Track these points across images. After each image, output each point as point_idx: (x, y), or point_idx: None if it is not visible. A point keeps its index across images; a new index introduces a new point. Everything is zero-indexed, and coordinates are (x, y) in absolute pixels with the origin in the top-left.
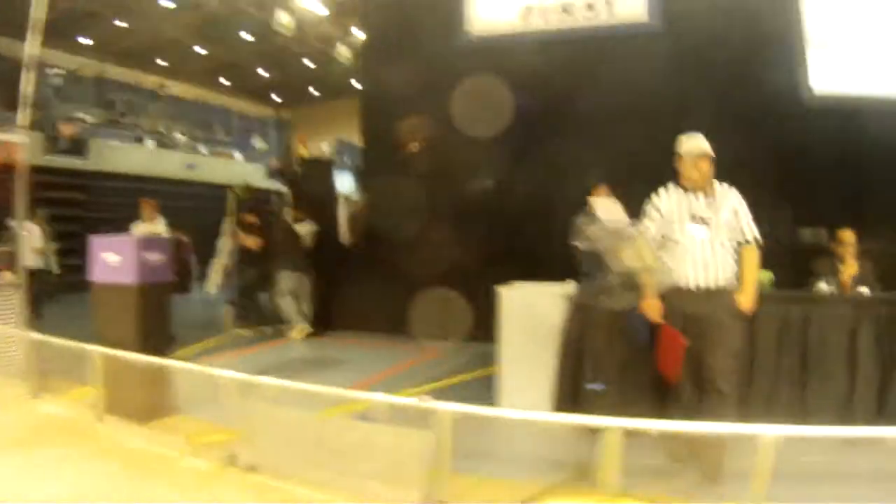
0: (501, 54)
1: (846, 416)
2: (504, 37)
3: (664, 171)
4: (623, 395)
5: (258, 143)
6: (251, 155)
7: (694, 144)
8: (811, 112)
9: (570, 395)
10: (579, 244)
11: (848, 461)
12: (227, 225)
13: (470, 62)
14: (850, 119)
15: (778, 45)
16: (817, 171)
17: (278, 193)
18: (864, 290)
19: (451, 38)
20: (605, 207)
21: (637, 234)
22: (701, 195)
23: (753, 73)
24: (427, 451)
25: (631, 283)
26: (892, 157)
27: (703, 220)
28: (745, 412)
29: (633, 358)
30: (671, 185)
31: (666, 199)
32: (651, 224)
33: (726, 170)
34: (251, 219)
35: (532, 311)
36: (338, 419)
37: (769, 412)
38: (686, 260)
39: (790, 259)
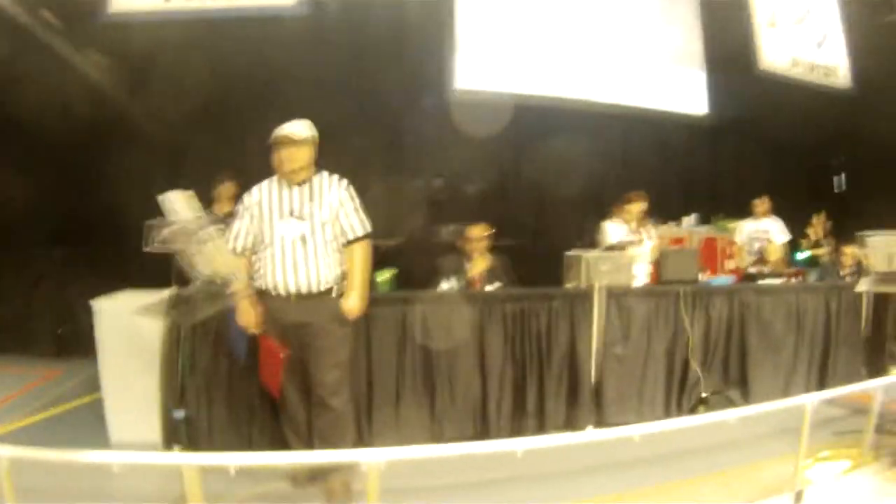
0: (141, 35)
1: (483, 420)
2: (144, 17)
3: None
4: (229, 415)
5: None
6: None
7: (277, 131)
8: (456, 108)
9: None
10: (152, 248)
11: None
12: None
13: (110, 44)
14: (493, 117)
15: (427, 40)
16: (457, 168)
17: None
18: (493, 286)
19: (90, 18)
20: (178, 205)
21: (210, 235)
22: (301, 188)
23: (400, 67)
24: None
25: (214, 291)
26: (529, 156)
27: (300, 216)
28: (374, 424)
29: (239, 374)
30: (269, 179)
31: (259, 194)
32: (241, 223)
33: (362, 162)
34: None
35: (132, 325)
36: None
37: (397, 423)
38: (278, 261)
39: (420, 257)
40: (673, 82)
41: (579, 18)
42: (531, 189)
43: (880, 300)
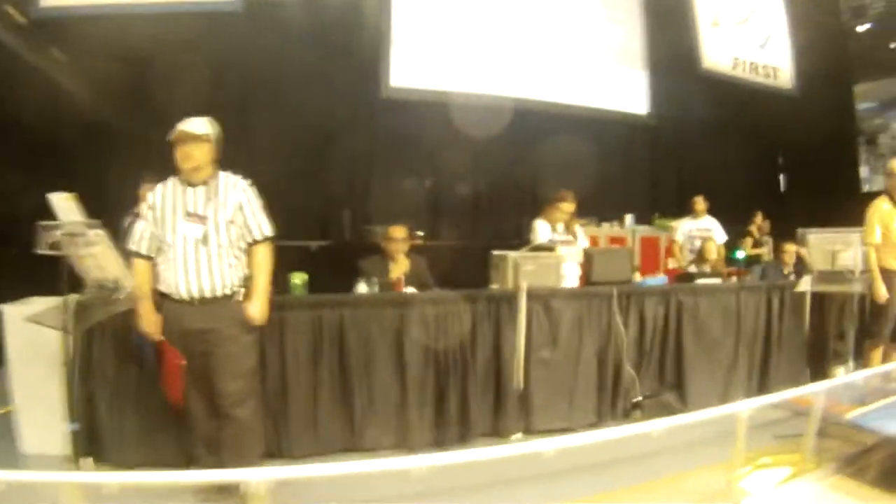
0: (71, 31)
1: (404, 428)
2: (75, 11)
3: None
4: (136, 425)
5: None
6: None
7: (178, 128)
8: (387, 106)
9: (88, 435)
10: (42, 251)
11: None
12: None
13: (39, 39)
14: (424, 115)
15: (361, 38)
16: (393, 166)
17: None
18: (411, 289)
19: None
20: (63, 208)
21: (97, 238)
22: (202, 188)
23: (334, 64)
24: None
25: (105, 296)
26: (467, 155)
27: (200, 218)
28: (290, 434)
29: (146, 382)
30: (170, 179)
31: (160, 195)
32: (143, 224)
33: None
34: None
35: (41, 332)
36: None
37: (315, 432)
38: (177, 265)
39: (338, 257)
40: (614, 81)
41: (521, 17)
42: (469, 188)
43: (822, 298)
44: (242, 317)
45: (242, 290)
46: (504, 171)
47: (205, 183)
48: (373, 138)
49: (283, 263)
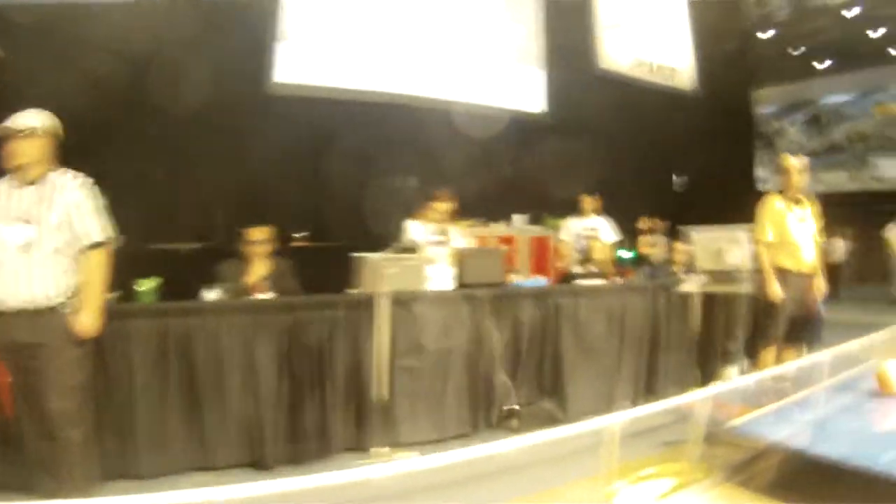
0: None
1: (259, 444)
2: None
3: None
4: None
5: None
6: None
7: (6, 122)
8: (273, 104)
9: None
10: None
11: None
12: None
13: None
14: (312, 113)
15: (245, 34)
16: (272, 165)
17: None
18: (265, 295)
19: None
20: None
21: None
22: (33, 188)
23: (218, 62)
24: None
25: None
26: (351, 154)
27: (28, 220)
28: (139, 454)
29: None
30: (5, 178)
31: None
32: None
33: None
34: None
35: None
36: None
37: (164, 451)
38: (2, 273)
39: (196, 262)
40: (511, 79)
41: (416, 12)
42: (356, 188)
43: (712, 298)
44: (70, 329)
45: (73, 299)
46: (397, 170)
47: (37, 182)
48: (259, 136)
49: (147, 267)
